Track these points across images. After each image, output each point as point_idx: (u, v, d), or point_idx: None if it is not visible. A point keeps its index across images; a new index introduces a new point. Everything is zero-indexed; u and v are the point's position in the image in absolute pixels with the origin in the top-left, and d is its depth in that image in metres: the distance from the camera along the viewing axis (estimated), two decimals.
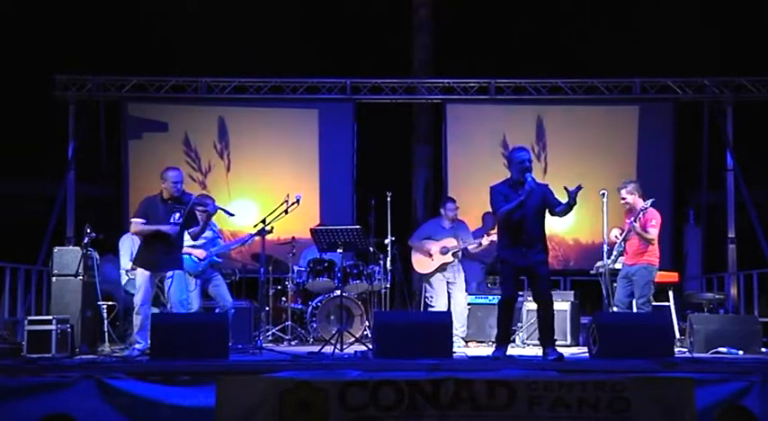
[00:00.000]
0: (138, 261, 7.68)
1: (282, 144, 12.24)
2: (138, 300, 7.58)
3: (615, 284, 8.45)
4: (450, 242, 9.08)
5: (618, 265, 8.51)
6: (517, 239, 7.28)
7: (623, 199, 8.34)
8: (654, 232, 8.18)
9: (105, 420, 5.87)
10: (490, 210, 7.74)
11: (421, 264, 9.18)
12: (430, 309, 9.10)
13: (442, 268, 9.07)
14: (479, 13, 13.72)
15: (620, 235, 8.40)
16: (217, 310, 8.72)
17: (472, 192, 10.86)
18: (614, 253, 8.45)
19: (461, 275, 9.21)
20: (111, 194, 12.20)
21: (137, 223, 7.64)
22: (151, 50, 13.17)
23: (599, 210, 8.40)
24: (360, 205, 11.52)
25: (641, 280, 8.17)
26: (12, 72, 12.85)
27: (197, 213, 7.79)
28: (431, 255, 9.09)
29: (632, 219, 8.21)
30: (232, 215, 8.32)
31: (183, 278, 7.86)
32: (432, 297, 9.12)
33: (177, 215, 7.60)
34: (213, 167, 12.13)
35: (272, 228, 8.80)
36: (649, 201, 8.20)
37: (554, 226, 7.54)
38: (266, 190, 11.73)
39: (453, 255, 9.07)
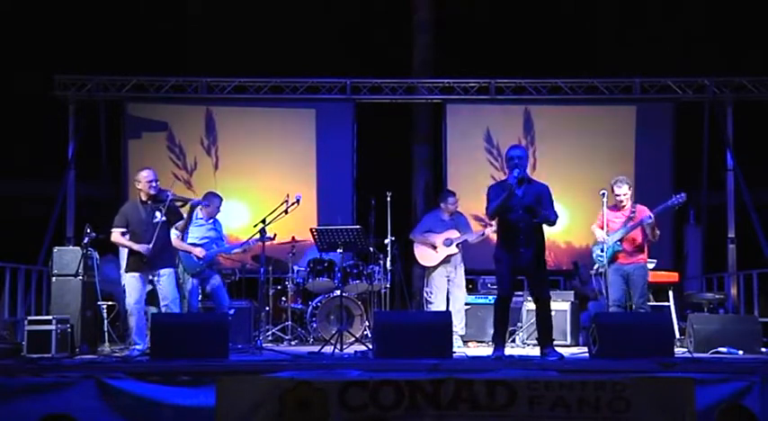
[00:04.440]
0: (128, 267, 7.71)
1: (276, 143, 12.10)
2: (130, 301, 7.60)
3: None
4: (453, 233, 9.07)
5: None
6: (512, 239, 7.25)
7: (625, 195, 8.18)
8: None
9: (105, 420, 5.87)
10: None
11: (425, 257, 9.16)
12: (429, 304, 9.10)
13: (447, 260, 9.06)
14: (479, 13, 13.72)
15: (607, 232, 8.08)
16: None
17: (472, 192, 10.83)
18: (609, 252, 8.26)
19: (461, 272, 9.20)
20: (111, 194, 12.18)
21: (115, 232, 7.70)
22: (151, 50, 13.17)
23: (595, 212, 8.35)
24: (360, 205, 11.51)
25: (641, 279, 8.13)
26: (12, 72, 12.85)
27: (178, 209, 7.81)
28: (435, 248, 9.08)
29: (630, 214, 8.11)
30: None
31: (174, 276, 7.82)
32: (431, 293, 9.10)
33: (159, 213, 7.60)
34: (199, 165, 11.89)
35: (275, 234, 8.83)
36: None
37: (546, 228, 7.46)
38: (258, 190, 11.65)
39: (457, 246, 9.07)
